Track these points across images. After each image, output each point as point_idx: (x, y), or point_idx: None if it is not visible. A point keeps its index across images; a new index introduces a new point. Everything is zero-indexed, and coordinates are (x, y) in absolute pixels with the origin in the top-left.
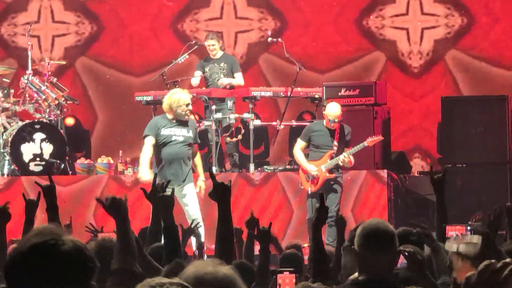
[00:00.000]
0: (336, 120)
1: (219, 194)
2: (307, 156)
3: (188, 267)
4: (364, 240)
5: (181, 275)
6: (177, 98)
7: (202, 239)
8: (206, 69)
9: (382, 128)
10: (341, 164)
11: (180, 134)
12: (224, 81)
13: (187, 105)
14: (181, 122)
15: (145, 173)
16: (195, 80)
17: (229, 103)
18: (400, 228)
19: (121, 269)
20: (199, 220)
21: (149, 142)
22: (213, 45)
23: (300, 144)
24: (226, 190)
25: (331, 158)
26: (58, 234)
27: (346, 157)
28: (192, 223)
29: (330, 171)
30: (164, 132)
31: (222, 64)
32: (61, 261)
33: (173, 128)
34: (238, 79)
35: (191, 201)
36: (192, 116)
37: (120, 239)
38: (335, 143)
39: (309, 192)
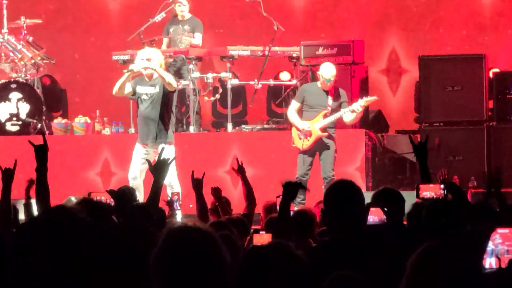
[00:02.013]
0: (332, 78)
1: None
2: (301, 116)
3: (171, 222)
4: (330, 199)
5: (164, 230)
6: (136, 58)
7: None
8: (171, 30)
9: (360, 87)
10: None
11: (148, 92)
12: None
13: (141, 60)
14: (151, 80)
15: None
16: (163, 47)
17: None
18: (381, 187)
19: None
20: (175, 184)
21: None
22: (184, 5)
23: (294, 105)
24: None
25: (325, 117)
26: None
27: (339, 116)
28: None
29: (323, 129)
30: (139, 90)
31: (186, 27)
32: None
33: (145, 87)
34: (196, 39)
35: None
36: (149, 71)
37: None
38: (330, 102)
39: (301, 149)
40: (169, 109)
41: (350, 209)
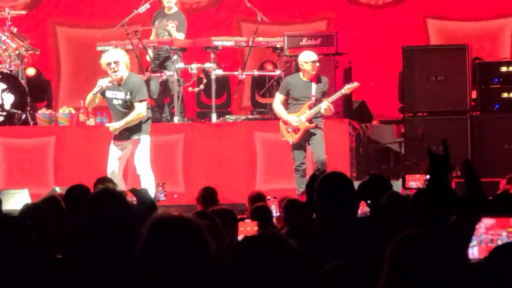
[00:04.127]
0: (317, 64)
1: None
2: (286, 109)
3: (156, 213)
4: (322, 190)
5: (150, 219)
6: (101, 60)
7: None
8: (156, 22)
9: (344, 77)
10: (323, 112)
11: (118, 96)
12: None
13: (109, 64)
14: (119, 84)
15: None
16: (152, 37)
17: (174, 57)
18: (371, 172)
19: None
20: (146, 174)
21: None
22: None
23: (279, 97)
24: None
25: (310, 108)
26: None
27: (326, 105)
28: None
29: (310, 120)
30: (108, 94)
31: (170, 24)
32: None
33: (115, 91)
34: (178, 38)
35: (138, 155)
36: (118, 75)
37: None
38: (313, 93)
39: (291, 143)
40: None
41: (341, 200)
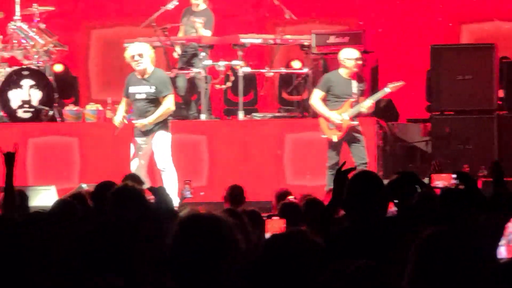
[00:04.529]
0: (360, 62)
1: None
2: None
3: (184, 210)
4: (355, 188)
5: (179, 219)
6: (125, 53)
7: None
8: (184, 20)
9: (371, 76)
10: (364, 111)
11: (142, 90)
12: None
13: (132, 57)
14: (143, 76)
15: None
16: (180, 34)
17: (201, 55)
18: (394, 176)
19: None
20: (169, 169)
21: (122, 102)
22: None
23: (319, 94)
24: None
25: (352, 106)
26: None
27: (371, 103)
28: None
29: (353, 118)
30: (131, 90)
31: (197, 20)
32: None
33: (138, 86)
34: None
35: (158, 150)
36: (141, 67)
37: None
38: (355, 90)
39: (334, 141)
40: None
41: (372, 199)
